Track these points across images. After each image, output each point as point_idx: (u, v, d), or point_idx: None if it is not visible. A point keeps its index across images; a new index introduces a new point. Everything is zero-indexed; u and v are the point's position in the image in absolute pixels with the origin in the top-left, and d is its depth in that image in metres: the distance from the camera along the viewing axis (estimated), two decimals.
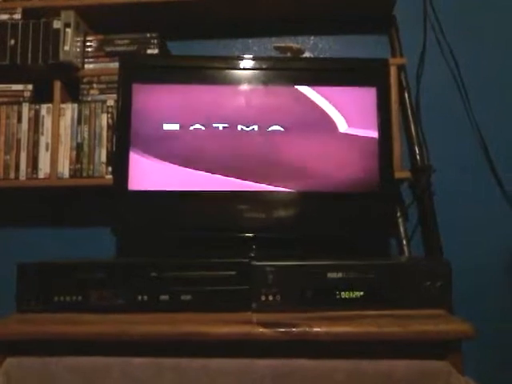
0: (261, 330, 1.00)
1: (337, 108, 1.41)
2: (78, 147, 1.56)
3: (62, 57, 1.56)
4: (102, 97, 1.59)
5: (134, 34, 1.63)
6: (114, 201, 1.39)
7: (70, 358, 1.03)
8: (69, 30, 1.57)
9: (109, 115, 1.57)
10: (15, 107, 1.59)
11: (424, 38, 1.70)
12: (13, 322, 1.09)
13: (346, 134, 1.40)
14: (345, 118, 1.41)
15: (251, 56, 1.49)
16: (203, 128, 1.40)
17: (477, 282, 1.58)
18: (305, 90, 1.41)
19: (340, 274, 1.14)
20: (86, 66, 1.63)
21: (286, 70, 1.46)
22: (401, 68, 1.62)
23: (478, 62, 1.69)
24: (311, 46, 1.76)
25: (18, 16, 1.60)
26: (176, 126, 1.40)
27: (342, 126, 1.40)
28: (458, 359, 1.01)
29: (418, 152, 1.62)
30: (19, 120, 1.58)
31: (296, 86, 1.42)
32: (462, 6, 1.72)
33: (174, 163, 1.38)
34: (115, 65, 1.51)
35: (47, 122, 1.58)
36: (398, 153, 1.49)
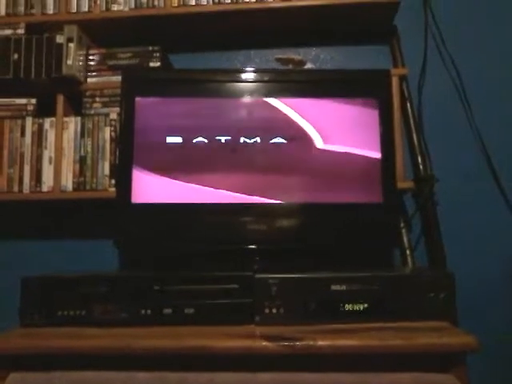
0: (264, 343, 1.00)
1: (338, 120, 1.41)
2: (82, 160, 1.57)
3: (64, 71, 1.57)
4: (105, 110, 1.60)
5: (136, 48, 1.64)
6: (117, 214, 1.39)
7: (73, 372, 1.03)
8: (71, 45, 1.58)
9: (112, 128, 1.57)
10: (19, 121, 1.60)
11: (425, 48, 1.70)
12: (16, 337, 1.09)
13: (348, 145, 1.40)
14: (347, 129, 1.41)
15: (253, 68, 1.50)
16: (206, 141, 1.40)
17: (481, 292, 1.57)
18: (307, 102, 1.42)
19: (344, 286, 1.13)
20: (89, 79, 1.64)
21: (287, 82, 1.46)
22: (403, 78, 1.62)
23: (479, 71, 1.69)
24: (313, 58, 1.77)
25: (21, 31, 1.61)
26: (179, 139, 1.40)
27: (343, 138, 1.40)
28: (463, 372, 1.00)
29: (420, 162, 1.62)
30: (22, 134, 1.59)
31: (298, 98, 1.42)
32: (463, 15, 1.73)
33: (177, 176, 1.38)
34: (118, 78, 1.52)
35: (50, 136, 1.59)
36: (400, 163, 1.49)
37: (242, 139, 1.40)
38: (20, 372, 1.04)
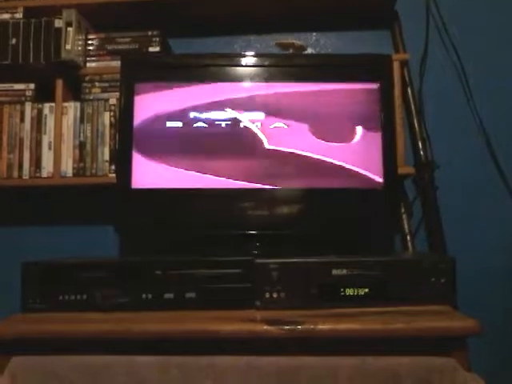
0: (265, 327, 1.00)
1: (339, 105, 1.41)
2: (81, 146, 1.56)
3: (63, 55, 1.55)
4: (105, 95, 1.59)
5: (135, 32, 1.63)
6: (118, 199, 1.39)
7: (75, 356, 1.03)
8: (70, 29, 1.57)
9: (111, 113, 1.57)
10: (18, 106, 1.59)
11: (426, 33, 1.69)
12: (17, 322, 1.09)
13: (348, 130, 1.40)
14: (348, 114, 1.40)
15: (253, 53, 1.50)
16: (206, 125, 1.39)
17: (481, 276, 1.57)
18: (308, 86, 1.41)
19: (344, 271, 1.13)
20: (88, 64, 1.63)
21: (288, 67, 1.45)
22: (404, 63, 1.61)
23: (480, 56, 1.68)
24: (313, 43, 1.76)
25: (19, 15, 1.60)
26: (179, 124, 1.39)
27: (344, 124, 1.40)
28: (464, 355, 1.00)
29: (421, 147, 1.62)
30: (22, 119, 1.58)
31: (299, 83, 1.41)
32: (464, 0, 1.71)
33: (177, 161, 1.38)
34: (117, 63, 1.51)
35: (50, 121, 1.58)
36: (401, 149, 1.49)
37: (242, 124, 1.40)
38: (22, 356, 1.04)
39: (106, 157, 1.55)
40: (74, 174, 1.55)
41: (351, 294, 1.13)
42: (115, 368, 1.01)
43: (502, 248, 1.59)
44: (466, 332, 1.01)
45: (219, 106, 1.40)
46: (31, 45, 1.56)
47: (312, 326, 1.00)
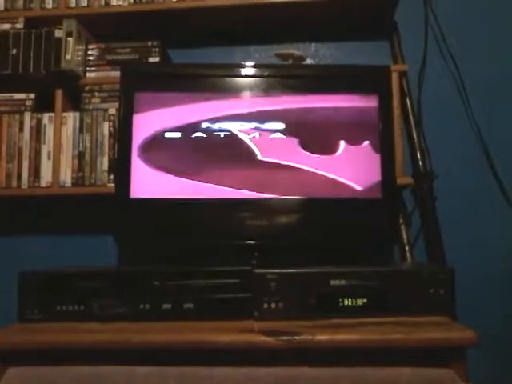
0: (263, 338, 1.00)
1: (340, 115, 1.41)
2: (80, 156, 1.56)
3: (63, 65, 1.56)
4: (104, 105, 1.59)
5: (135, 43, 1.64)
6: (116, 209, 1.39)
7: (72, 367, 1.02)
8: (70, 39, 1.57)
9: (110, 123, 1.57)
10: (17, 116, 1.59)
11: (425, 44, 1.70)
12: (14, 332, 1.09)
13: (347, 141, 1.40)
14: (346, 124, 1.41)
15: (252, 63, 1.50)
16: (205, 136, 1.40)
17: (480, 287, 1.57)
18: (307, 97, 1.41)
19: (343, 282, 1.13)
20: (88, 74, 1.63)
21: (287, 78, 1.45)
22: (402, 74, 1.62)
23: (479, 67, 1.68)
24: (312, 53, 1.76)
25: (20, 25, 1.61)
26: (177, 134, 1.40)
27: (342, 134, 1.40)
28: (462, 366, 1.00)
29: (420, 158, 1.62)
30: (21, 129, 1.59)
31: (297, 94, 1.42)
32: (463, 11, 1.72)
33: (176, 171, 1.38)
34: (117, 73, 1.52)
35: (49, 131, 1.58)
36: (400, 159, 1.49)
37: (240, 134, 1.40)
38: (19, 367, 1.03)
39: (105, 167, 1.55)
40: (73, 184, 1.55)
41: (349, 304, 1.12)
42: (114, 378, 1.01)
43: (501, 257, 1.59)
44: (464, 343, 1.00)
45: (218, 116, 1.41)
46: (31, 55, 1.57)
47: (310, 337, 1.00)
